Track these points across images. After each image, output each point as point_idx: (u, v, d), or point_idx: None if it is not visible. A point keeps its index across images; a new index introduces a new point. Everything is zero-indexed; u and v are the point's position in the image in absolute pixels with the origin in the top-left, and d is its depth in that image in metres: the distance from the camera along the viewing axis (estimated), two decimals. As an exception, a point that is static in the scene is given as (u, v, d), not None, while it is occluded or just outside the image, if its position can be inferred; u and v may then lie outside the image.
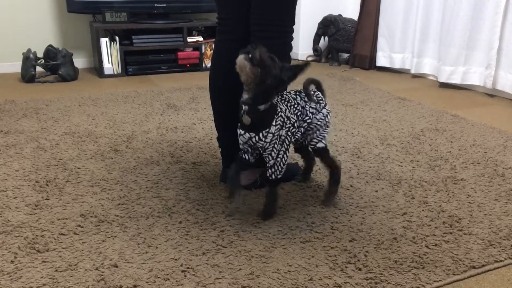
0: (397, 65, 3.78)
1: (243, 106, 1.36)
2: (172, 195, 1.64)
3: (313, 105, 1.51)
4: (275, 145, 1.40)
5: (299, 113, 1.47)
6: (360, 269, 1.24)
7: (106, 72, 3.54)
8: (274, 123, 1.38)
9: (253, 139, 1.38)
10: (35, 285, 1.16)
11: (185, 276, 1.20)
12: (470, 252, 1.32)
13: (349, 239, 1.38)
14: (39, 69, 3.45)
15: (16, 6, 3.54)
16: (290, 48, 1.57)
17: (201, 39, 3.76)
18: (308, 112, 1.50)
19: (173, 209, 1.53)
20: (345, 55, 4.33)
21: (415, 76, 3.70)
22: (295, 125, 1.47)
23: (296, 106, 1.47)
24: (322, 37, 4.22)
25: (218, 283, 1.17)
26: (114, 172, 1.82)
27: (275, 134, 1.39)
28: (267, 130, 1.37)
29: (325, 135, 1.55)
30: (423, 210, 1.55)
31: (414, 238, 1.39)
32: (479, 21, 3.05)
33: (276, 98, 1.43)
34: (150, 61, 3.66)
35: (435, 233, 1.41)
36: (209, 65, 3.82)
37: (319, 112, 1.52)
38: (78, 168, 1.85)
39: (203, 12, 3.91)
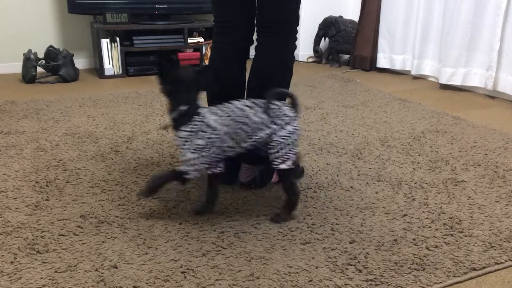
0: (397, 67, 3.78)
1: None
2: (172, 196, 1.63)
3: (270, 119, 1.40)
4: (186, 150, 1.38)
5: (242, 126, 1.38)
6: (360, 271, 1.23)
7: (107, 72, 3.54)
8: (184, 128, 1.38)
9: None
10: (34, 286, 1.15)
11: (185, 277, 1.20)
12: (471, 254, 1.32)
13: (349, 240, 1.37)
14: (39, 69, 3.45)
15: (17, 7, 3.54)
16: (295, 46, 1.59)
17: (201, 40, 3.77)
18: (264, 127, 1.39)
19: (173, 210, 1.53)
20: (346, 56, 4.33)
21: (416, 77, 3.70)
22: (224, 138, 1.38)
23: (238, 119, 1.38)
24: (323, 38, 4.22)
25: (218, 285, 1.17)
26: (114, 173, 1.82)
27: (185, 138, 1.38)
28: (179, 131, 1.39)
29: (291, 155, 1.41)
30: (423, 212, 1.55)
31: (414, 239, 1.38)
32: (479, 22, 3.05)
33: (214, 106, 1.43)
34: (151, 62, 3.66)
35: (436, 235, 1.41)
36: (209, 66, 3.84)
37: (282, 128, 1.40)
38: (78, 169, 1.85)
39: (203, 13, 3.91)
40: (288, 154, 1.41)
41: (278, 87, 1.43)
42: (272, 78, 1.55)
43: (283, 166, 1.41)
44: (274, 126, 1.40)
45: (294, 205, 1.48)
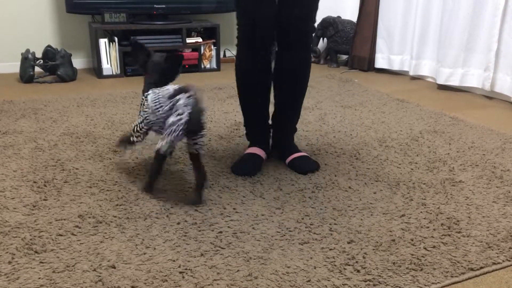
0: (395, 67, 3.78)
1: None
2: (170, 196, 1.63)
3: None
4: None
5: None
6: (358, 271, 1.24)
7: (105, 72, 3.53)
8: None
9: None
10: (32, 286, 1.15)
11: (183, 277, 1.20)
12: (468, 254, 1.32)
13: (347, 240, 1.38)
14: (37, 69, 3.45)
15: (15, 6, 3.53)
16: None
17: (200, 40, 3.76)
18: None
19: (171, 210, 1.53)
20: (344, 57, 4.33)
21: (414, 78, 3.71)
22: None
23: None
24: (321, 39, 4.22)
25: (216, 285, 1.17)
26: (112, 173, 1.81)
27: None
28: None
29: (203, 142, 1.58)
30: (421, 212, 1.55)
31: (412, 240, 1.39)
32: (477, 23, 3.05)
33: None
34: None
35: (434, 235, 1.41)
36: (208, 66, 3.84)
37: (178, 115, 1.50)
38: (77, 168, 1.85)
39: (202, 13, 3.91)
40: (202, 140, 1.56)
41: None
42: None
43: (202, 151, 1.57)
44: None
45: (203, 185, 1.60)
